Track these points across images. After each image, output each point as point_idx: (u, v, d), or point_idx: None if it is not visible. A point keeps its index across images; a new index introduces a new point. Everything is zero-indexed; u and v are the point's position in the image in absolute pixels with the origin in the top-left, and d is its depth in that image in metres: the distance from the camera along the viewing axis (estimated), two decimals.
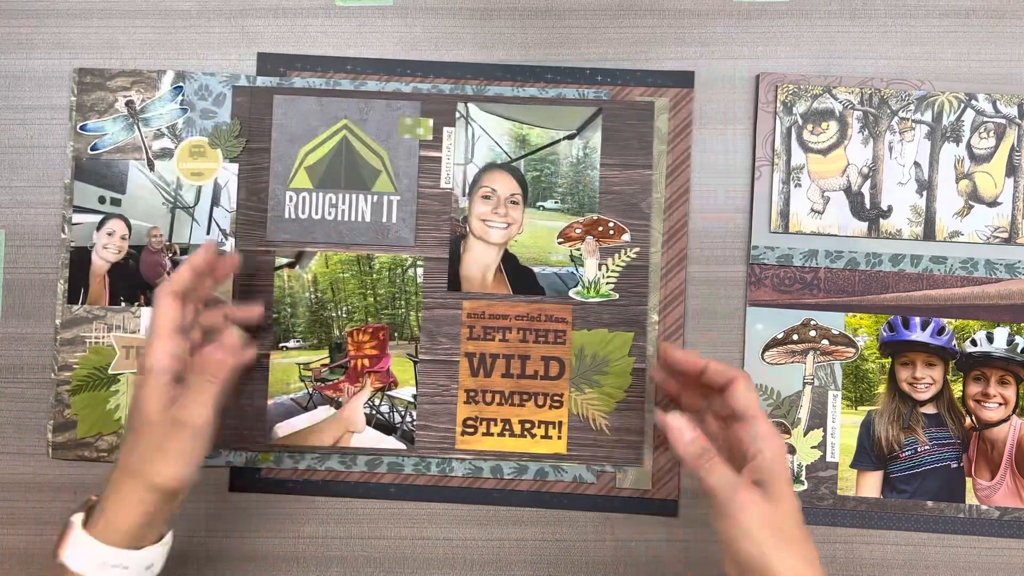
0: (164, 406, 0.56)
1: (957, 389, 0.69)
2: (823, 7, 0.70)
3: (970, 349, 0.69)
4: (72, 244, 0.69)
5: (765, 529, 0.53)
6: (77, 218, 0.69)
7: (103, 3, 0.71)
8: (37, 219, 0.70)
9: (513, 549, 0.69)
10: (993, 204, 0.69)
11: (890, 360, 0.69)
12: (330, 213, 0.69)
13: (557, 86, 0.70)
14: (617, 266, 0.69)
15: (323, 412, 0.69)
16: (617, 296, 0.69)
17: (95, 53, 0.71)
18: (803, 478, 0.68)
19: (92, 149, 0.69)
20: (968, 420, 0.68)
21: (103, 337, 0.69)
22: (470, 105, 0.70)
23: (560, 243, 0.69)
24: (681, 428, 0.57)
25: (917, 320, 0.69)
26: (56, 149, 0.70)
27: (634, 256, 0.69)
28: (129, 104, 0.70)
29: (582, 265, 0.69)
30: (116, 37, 0.71)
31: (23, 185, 0.70)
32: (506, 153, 0.70)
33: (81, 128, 0.69)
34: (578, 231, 0.69)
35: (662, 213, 0.69)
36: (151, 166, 0.69)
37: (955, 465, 0.68)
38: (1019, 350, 0.68)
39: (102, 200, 0.69)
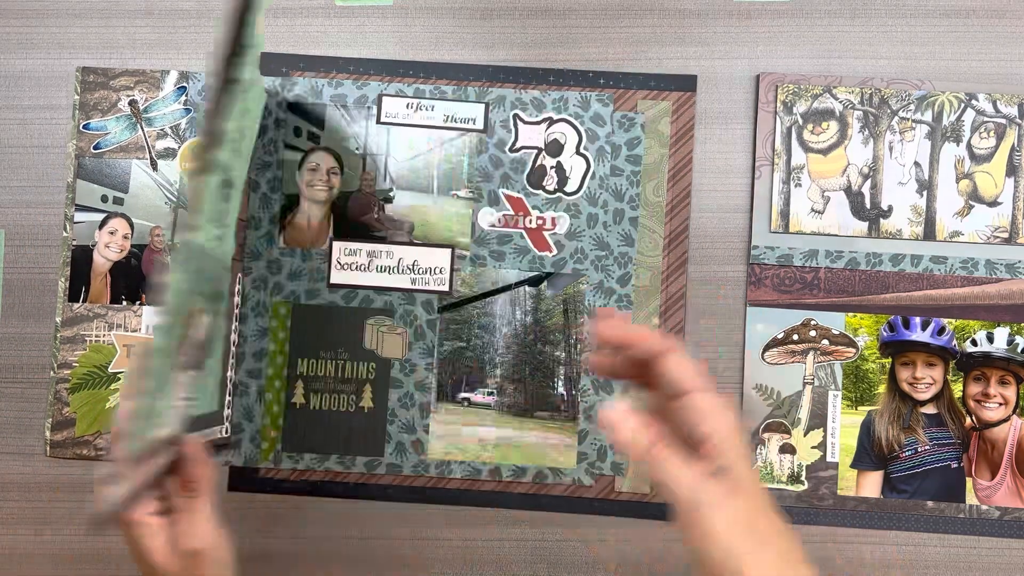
0: (169, 545, 0.52)
1: (957, 389, 0.69)
2: (823, 7, 0.71)
3: (970, 349, 0.69)
4: (74, 242, 0.69)
5: (735, 528, 0.44)
6: (79, 216, 0.69)
7: (103, 3, 0.71)
8: (37, 219, 0.70)
9: (513, 549, 0.69)
10: (993, 204, 0.69)
11: (890, 360, 0.69)
12: None
13: (560, 88, 0.71)
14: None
15: None
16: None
17: (95, 53, 0.71)
18: (803, 478, 0.68)
19: (95, 148, 0.69)
20: (968, 420, 0.69)
21: (103, 335, 0.68)
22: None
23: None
24: (620, 418, 0.46)
25: (917, 320, 0.69)
26: (56, 149, 0.70)
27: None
28: (132, 103, 0.70)
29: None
30: (116, 37, 0.71)
31: (23, 185, 0.70)
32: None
33: (84, 127, 0.70)
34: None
35: (663, 217, 0.70)
36: (154, 166, 0.69)
37: (955, 465, 0.68)
38: (1019, 350, 0.68)
39: (104, 199, 0.69)
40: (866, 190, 0.70)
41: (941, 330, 0.69)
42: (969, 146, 0.69)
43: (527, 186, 0.70)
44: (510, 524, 0.69)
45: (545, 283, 0.70)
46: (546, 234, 0.70)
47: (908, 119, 0.70)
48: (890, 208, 0.69)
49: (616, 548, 0.68)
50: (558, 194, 0.70)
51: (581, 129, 0.70)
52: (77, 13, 0.71)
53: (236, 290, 0.68)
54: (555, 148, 0.70)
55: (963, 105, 0.69)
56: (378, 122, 0.71)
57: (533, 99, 0.71)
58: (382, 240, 0.70)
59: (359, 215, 0.70)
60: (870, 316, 0.69)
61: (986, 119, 0.69)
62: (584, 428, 0.69)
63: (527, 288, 0.70)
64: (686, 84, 0.70)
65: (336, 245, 0.70)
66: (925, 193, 0.70)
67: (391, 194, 0.70)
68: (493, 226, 0.70)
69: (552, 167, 0.70)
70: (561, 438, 0.69)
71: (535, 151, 0.71)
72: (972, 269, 0.69)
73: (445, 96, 0.71)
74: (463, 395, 0.70)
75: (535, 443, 0.69)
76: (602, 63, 0.71)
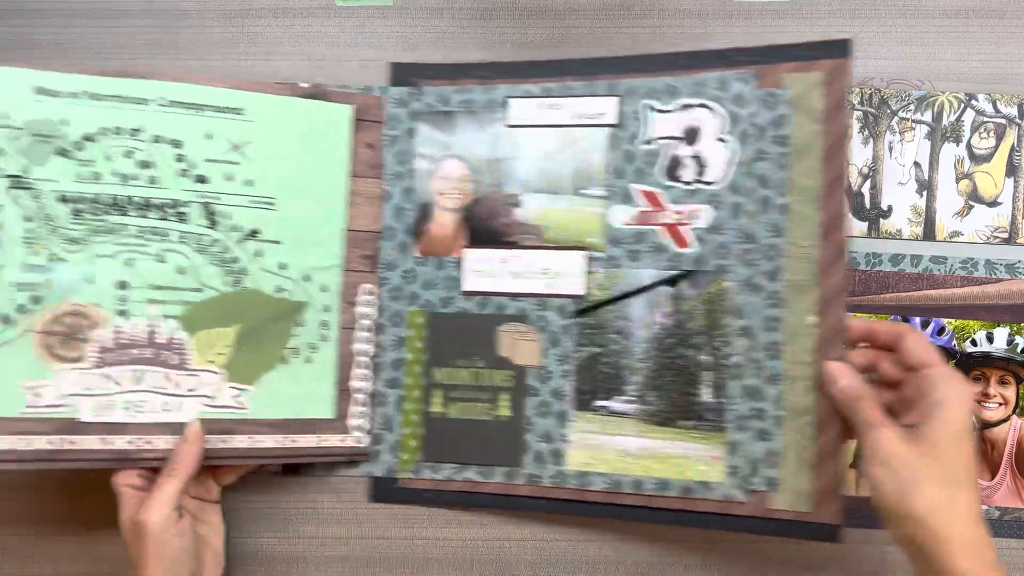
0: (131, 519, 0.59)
1: None
2: (823, 7, 0.69)
3: (970, 349, 0.68)
4: None
5: (894, 463, 0.52)
6: None
7: (103, 3, 0.73)
8: None
9: (514, 549, 0.67)
10: (993, 204, 0.68)
11: None
12: None
13: (690, 72, 0.66)
14: None
15: None
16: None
17: (95, 53, 0.73)
18: None
19: None
20: None
21: None
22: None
23: None
24: (836, 374, 0.58)
25: (917, 320, 0.68)
26: None
27: None
28: None
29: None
30: (116, 37, 0.73)
31: None
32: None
33: None
34: None
35: (817, 202, 0.63)
36: None
37: None
38: (1019, 350, 0.67)
39: None
40: (866, 190, 0.69)
41: (941, 330, 0.68)
42: (969, 146, 0.68)
43: (663, 179, 0.66)
44: (511, 524, 0.67)
45: (685, 282, 0.65)
46: (685, 229, 0.65)
47: (908, 119, 0.69)
48: (890, 208, 0.69)
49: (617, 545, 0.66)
50: (697, 185, 0.65)
51: (721, 113, 0.65)
52: (77, 13, 0.73)
53: (361, 300, 0.69)
54: (692, 136, 0.66)
55: (963, 105, 0.68)
56: (507, 126, 0.69)
57: (667, 86, 0.66)
58: (514, 245, 0.68)
59: (490, 221, 0.69)
60: (870, 316, 0.67)
61: (986, 119, 0.68)
62: (733, 439, 0.63)
63: (665, 288, 0.65)
64: (838, 50, 0.63)
65: (469, 252, 0.69)
66: (925, 193, 0.69)
67: (521, 198, 0.69)
68: (627, 224, 0.67)
69: (690, 156, 0.66)
70: (708, 449, 0.64)
71: (670, 141, 0.66)
72: (972, 269, 0.68)
73: (574, 93, 0.68)
74: (600, 403, 0.66)
75: (679, 454, 0.64)
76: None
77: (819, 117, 0.63)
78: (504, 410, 0.68)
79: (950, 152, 0.69)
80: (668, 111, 0.66)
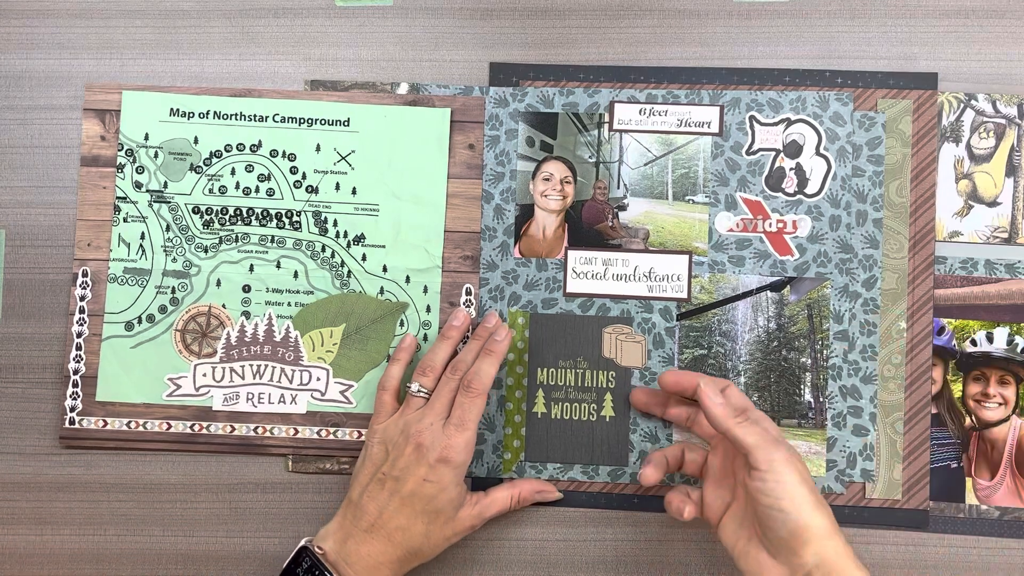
0: (459, 503, 0.62)
1: (957, 389, 0.68)
2: (823, 7, 0.70)
3: (970, 349, 0.68)
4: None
5: (804, 487, 0.54)
6: None
7: (103, 3, 0.71)
8: (38, 219, 0.70)
9: (513, 549, 0.68)
10: (993, 204, 0.69)
11: None
12: None
13: (797, 88, 0.69)
14: None
15: None
16: None
17: (95, 53, 0.71)
18: None
19: None
20: (968, 420, 0.68)
21: None
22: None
23: None
24: (713, 389, 0.58)
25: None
26: (58, 149, 0.70)
27: None
28: None
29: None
30: (116, 37, 0.71)
31: (24, 185, 0.70)
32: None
33: None
34: None
35: (907, 218, 0.68)
36: None
37: (955, 465, 0.67)
38: (1019, 350, 0.68)
39: None
40: None
41: (941, 330, 0.68)
42: (968, 146, 0.69)
43: (765, 189, 0.69)
44: (510, 524, 0.68)
45: (788, 288, 0.69)
46: (787, 237, 0.69)
47: None
48: None
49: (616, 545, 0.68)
50: (798, 196, 0.69)
51: (820, 129, 0.69)
52: (77, 13, 0.71)
53: (462, 300, 0.69)
54: (794, 149, 0.69)
55: (963, 105, 0.69)
56: (611, 129, 0.70)
57: (769, 100, 0.69)
58: (617, 248, 0.70)
59: (593, 223, 0.70)
60: None
61: (986, 119, 0.69)
62: (833, 435, 0.67)
63: (769, 293, 0.69)
64: (927, 82, 0.69)
65: (571, 254, 0.70)
66: None
67: (625, 201, 0.70)
68: (731, 230, 0.69)
69: (791, 169, 0.69)
70: (809, 445, 0.68)
71: (773, 153, 0.69)
72: (972, 269, 0.68)
73: (678, 100, 0.70)
74: None
75: None
76: (610, 61, 0.70)
77: (908, 141, 0.68)
78: (608, 410, 0.69)
79: (949, 152, 0.69)
80: (771, 124, 0.69)
